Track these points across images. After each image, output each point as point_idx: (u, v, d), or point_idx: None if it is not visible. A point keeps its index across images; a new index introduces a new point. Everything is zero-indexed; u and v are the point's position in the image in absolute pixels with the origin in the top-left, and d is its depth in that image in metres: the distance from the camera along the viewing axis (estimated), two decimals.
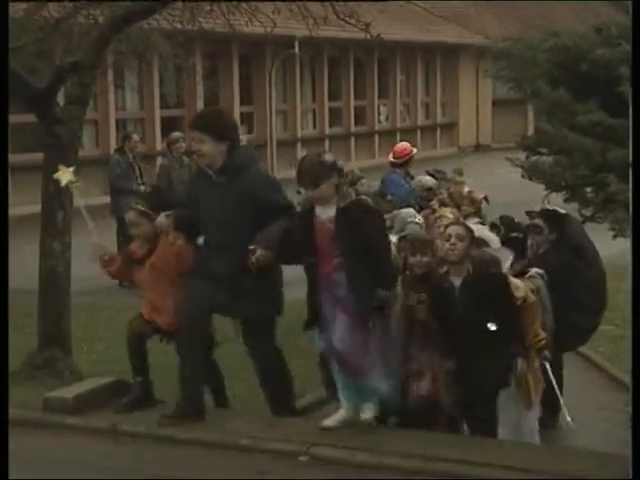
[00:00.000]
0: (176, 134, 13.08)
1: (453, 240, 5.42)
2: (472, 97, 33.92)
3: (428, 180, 10.13)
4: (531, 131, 21.53)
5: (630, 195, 3.71)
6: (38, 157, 8.18)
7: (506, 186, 11.72)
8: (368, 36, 8.83)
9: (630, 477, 3.35)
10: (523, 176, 9.97)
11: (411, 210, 8.73)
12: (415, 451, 5.25)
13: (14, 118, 17.39)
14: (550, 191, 9.54)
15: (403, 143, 11.42)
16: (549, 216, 6.65)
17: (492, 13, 33.28)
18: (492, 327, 5.27)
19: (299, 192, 11.22)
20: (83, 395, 6.27)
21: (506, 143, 21.35)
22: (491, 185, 11.63)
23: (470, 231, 5.56)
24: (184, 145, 12.43)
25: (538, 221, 6.66)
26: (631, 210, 3.68)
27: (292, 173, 16.71)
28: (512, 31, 21.49)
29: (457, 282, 5.48)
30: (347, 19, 8.66)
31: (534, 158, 9.47)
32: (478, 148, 33.45)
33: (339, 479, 5.15)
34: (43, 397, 6.31)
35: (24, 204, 15.92)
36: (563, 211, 6.86)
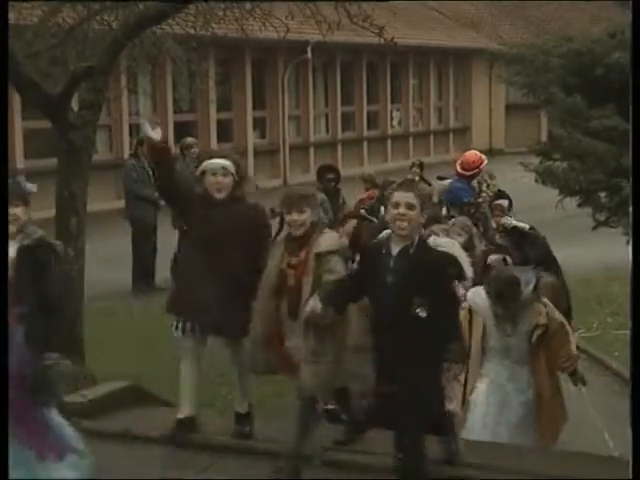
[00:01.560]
0: (190, 139, 13.12)
1: (402, 209, 4.63)
2: (485, 102, 33.87)
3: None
4: (544, 136, 21.47)
5: (630, 195, 3.69)
6: (52, 162, 8.21)
7: (519, 191, 11.69)
8: (382, 40, 8.82)
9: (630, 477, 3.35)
10: (537, 181, 9.94)
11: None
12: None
13: (28, 124, 17.64)
14: (564, 196, 9.51)
15: (473, 152, 10.32)
16: (512, 234, 6.82)
17: (506, 17, 33.26)
18: (422, 313, 4.46)
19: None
20: (98, 399, 6.29)
21: (519, 148, 21.31)
22: (505, 189, 11.58)
23: (423, 200, 4.75)
24: (197, 150, 12.46)
25: (501, 241, 6.84)
26: (631, 210, 3.66)
27: (304, 178, 16.80)
28: (526, 36, 21.49)
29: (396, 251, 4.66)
30: (361, 23, 8.66)
31: (548, 163, 9.44)
32: (491, 153, 33.36)
33: None
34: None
35: (38, 209, 15.95)
36: (526, 227, 6.98)
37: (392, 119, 30.17)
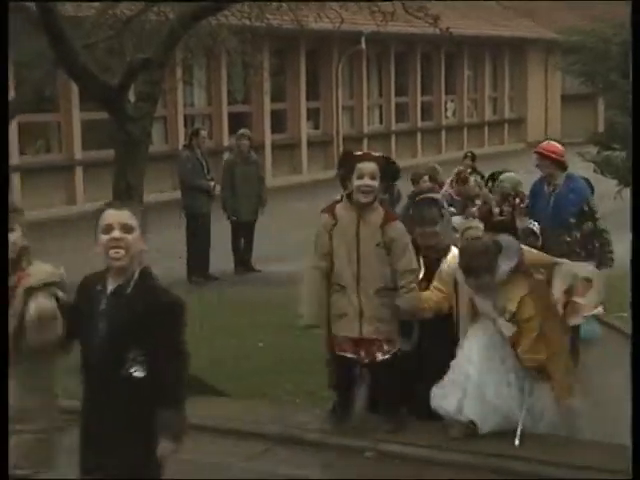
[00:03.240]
0: (243, 130, 13.17)
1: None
2: (541, 92, 33.47)
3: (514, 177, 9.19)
4: (601, 126, 21.18)
5: (630, 194, 3.58)
6: (109, 154, 8.28)
7: None
8: (437, 30, 8.74)
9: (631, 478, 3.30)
10: (595, 171, 9.78)
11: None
12: (476, 448, 5.21)
13: (86, 115, 17.82)
14: (623, 186, 9.36)
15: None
16: None
17: (563, 5, 32.76)
18: (138, 373, 3.58)
19: None
20: None
21: (575, 138, 20.97)
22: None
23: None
24: (248, 142, 12.49)
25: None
26: (631, 209, 3.56)
27: None
28: (583, 24, 21.14)
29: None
30: (415, 13, 8.59)
31: (606, 153, 9.31)
32: None
33: (404, 476, 5.12)
34: None
35: (98, 200, 16.15)
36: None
37: (446, 110, 29.96)
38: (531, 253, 5.58)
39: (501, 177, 9.23)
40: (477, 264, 5.28)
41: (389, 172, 5.50)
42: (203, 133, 12.71)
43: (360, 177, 5.32)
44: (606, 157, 8.56)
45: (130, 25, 8.55)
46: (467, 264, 5.33)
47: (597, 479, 4.94)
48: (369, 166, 5.34)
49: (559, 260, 5.62)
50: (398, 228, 5.43)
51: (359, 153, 5.55)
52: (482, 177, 11.77)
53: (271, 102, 22.68)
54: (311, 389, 6.60)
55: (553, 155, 7.66)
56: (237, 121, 21.96)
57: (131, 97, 7.72)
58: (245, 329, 8.62)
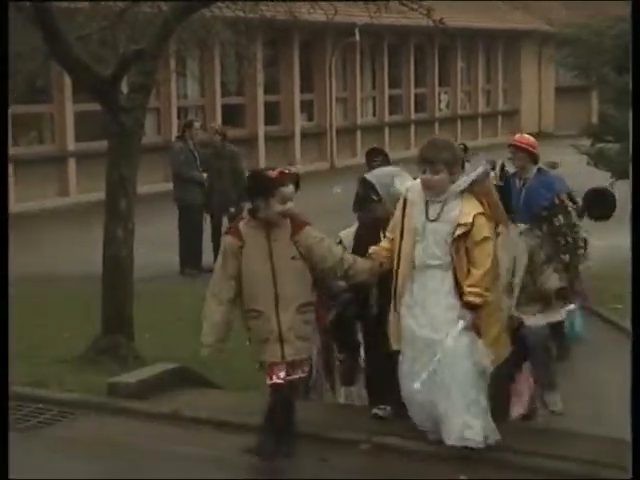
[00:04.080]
0: (215, 125, 13.03)
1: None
2: (534, 84, 33.48)
3: None
4: (594, 119, 21.19)
5: (630, 193, 3.59)
6: (102, 145, 8.26)
7: (569, 174, 11.54)
8: (430, 22, 8.73)
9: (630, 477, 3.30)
10: (589, 163, 9.80)
11: None
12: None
13: (79, 107, 17.76)
14: (616, 179, 9.38)
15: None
16: None
17: (558, 4, 32.73)
18: None
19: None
20: (146, 380, 6.32)
21: (568, 131, 21.00)
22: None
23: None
24: (220, 137, 12.37)
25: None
26: (631, 209, 3.57)
27: (351, 161, 16.74)
28: (577, 17, 21.14)
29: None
30: (409, 5, 8.57)
31: (599, 145, 9.32)
32: (540, 136, 32.97)
33: (401, 469, 5.12)
34: (107, 382, 6.38)
35: (91, 192, 16.13)
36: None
37: (440, 102, 29.95)
38: (495, 196, 5.10)
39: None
40: (440, 156, 4.89)
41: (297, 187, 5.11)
42: (197, 125, 12.68)
43: (283, 202, 4.94)
44: (599, 149, 8.58)
45: (123, 17, 8.52)
46: (428, 154, 4.90)
47: (596, 473, 4.94)
48: (291, 190, 4.97)
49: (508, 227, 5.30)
50: (311, 233, 5.05)
51: (275, 174, 4.98)
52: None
53: (265, 94, 22.64)
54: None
55: (528, 147, 7.69)
56: (230, 113, 21.94)
57: (124, 88, 7.70)
58: (238, 321, 8.60)
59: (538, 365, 5.71)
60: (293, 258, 5.00)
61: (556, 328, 7.25)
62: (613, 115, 8.00)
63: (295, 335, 5.02)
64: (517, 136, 8.01)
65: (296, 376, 5.12)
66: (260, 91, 22.05)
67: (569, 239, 7.37)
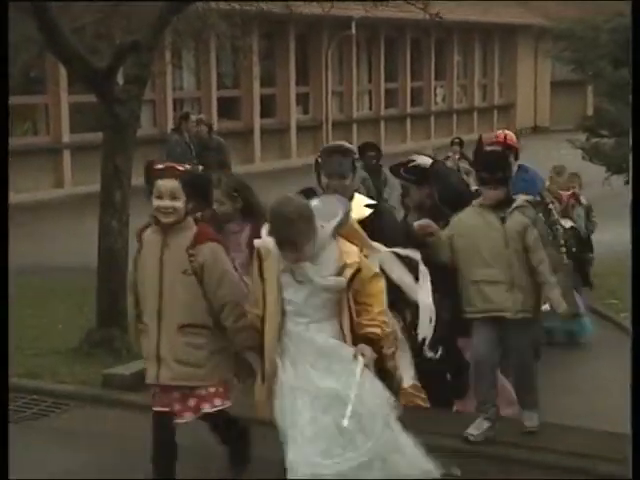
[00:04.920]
0: (199, 116, 13.01)
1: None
2: (530, 78, 33.48)
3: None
4: (590, 113, 21.18)
5: (630, 192, 3.60)
6: (97, 137, 8.25)
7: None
8: (426, 16, 8.73)
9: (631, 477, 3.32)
10: (584, 158, 9.80)
11: None
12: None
13: (74, 98, 17.73)
14: (611, 173, 9.39)
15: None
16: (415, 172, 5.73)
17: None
18: None
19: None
20: (141, 373, 6.28)
21: (564, 125, 21.02)
22: (548, 168, 11.46)
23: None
24: (206, 129, 12.34)
25: (402, 182, 5.83)
26: (631, 208, 3.58)
27: None
28: (573, 11, 21.16)
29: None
30: None
31: (595, 140, 9.32)
32: (535, 130, 33.04)
33: None
34: (102, 374, 6.39)
35: (86, 184, 16.11)
36: (428, 161, 5.79)
37: (436, 96, 29.94)
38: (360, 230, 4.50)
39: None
40: (299, 235, 4.08)
41: (199, 188, 4.57)
42: (193, 117, 12.67)
43: (159, 197, 4.41)
44: (595, 144, 8.57)
45: (119, 8, 8.51)
46: (280, 235, 4.12)
47: (593, 467, 4.96)
48: (168, 184, 4.39)
49: (375, 245, 4.58)
50: (211, 251, 4.41)
51: (160, 166, 4.51)
52: (470, 163, 11.78)
53: (260, 87, 22.61)
54: None
55: (513, 145, 7.42)
56: (226, 105, 21.91)
57: (119, 80, 7.69)
58: None
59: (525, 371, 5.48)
60: (184, 272, 4.39)
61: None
62: (608, 109, 8.00)
63: (174, 358, 4.42)
64: (499, 133, 7.61)
65: (175, 408, 4.49)
66: (256, 84, 22.02)
67: (549, 237, 7.36)
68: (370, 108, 27.28)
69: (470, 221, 5.31)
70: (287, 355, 4.27)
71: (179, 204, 4.41)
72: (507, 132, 7.63)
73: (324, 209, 4.24)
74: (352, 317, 4.27)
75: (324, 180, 5.06)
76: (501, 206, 5.27)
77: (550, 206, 7.42)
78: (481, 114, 31.36)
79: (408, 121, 28.13)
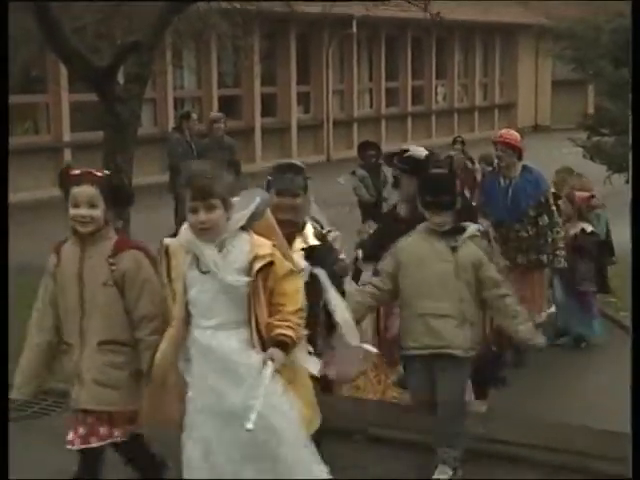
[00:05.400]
0: (217, 114, 13.00)
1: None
2: (531, 78, 33.47)
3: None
4: (591, 112, 21.14)
5: (630, 191, 3.60)
6: (98, 136, 8.26)
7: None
8: (427, 15, 8.74)
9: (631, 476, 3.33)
10: (584, 156, 9.80)
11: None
12: (468, 432, 5.23)
13: (74, 97, 17.73)
14: (612, 172, 9.40)
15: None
16: (407, 162, 5.59)
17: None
18: None
19: (353, 172, 11.27)
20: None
21: (565, 124, 20.99)
22: (550, 166, 11.47)
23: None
24: (223, 127, 12.32)
25: (395, 172, 5.69)
26: (631, 208, 3.58)
27: (347, 154, 16.68)
28: (573, 11, 21.14)
29: None
30: None
31: (596, 139, 9.32)
32: (536, 129, 33.04)
33: (393, 460, 5.14)
34: None
35: None
36: (423, 152, 5.63)
37: (437, 95, 29.94)
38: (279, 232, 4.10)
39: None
40: (215, 188, 3.84)
41: (118, 195, 4.24)
42: (194, 116, 12.66)
43: (75, 205, 4.07)
44: (596, 143, 8.58)
45: (120, 8, 8.52)
46: (202, 185, 3.84)
47: (591, 465, 4.98)
48: (86, 191, 4.06)
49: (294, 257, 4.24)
50: (133, 258, 4.10)
51: (76, 172, 4.16)
52: (472, 162, 11.80)
53: (261, 86, 22.62)
54: None
55: (516, 144, 7.31)
56: (227, 104, 21.92)
57: (120, 79, 7.70)
58: None
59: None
60: (105, 284, 4.07)
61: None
62: (609, 108, 8.00)
63: (92, 378, 4.05)
64: (503, 132, 7.60)
65: (83, 432, 4.10)
66: (257, 83, 22.03)
67: (549, 239, 7.23)
68: (371, 107, 27.28)
69: (416, 249, 4.85)
70: (193, 368, 3.87)
71: (97, 212, 4.07)
72: (511, 131, 7.58)
73: (241, 202, 3.90)
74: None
75: (274, 199, 4.54)
76: (450, 233, 4.82)
77: (553, 208, 7.37)
78: (482, 113, 31.36)
79: (409, 120, 28.13)
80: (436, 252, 4.79)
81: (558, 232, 7.33)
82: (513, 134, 7.49)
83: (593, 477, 4.89)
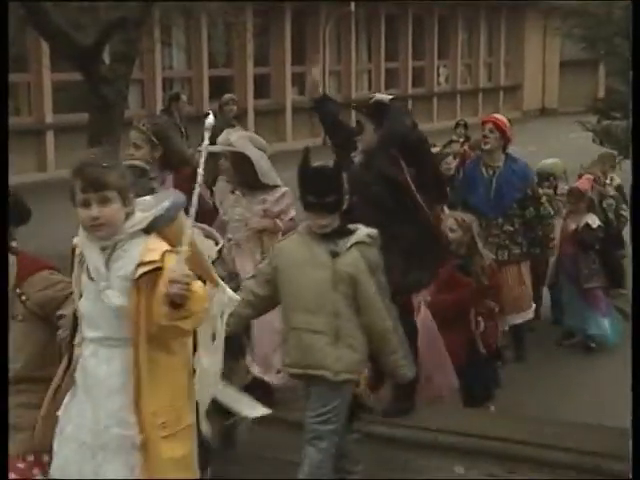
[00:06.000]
0: (229, 95, 13.04)
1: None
2: (538, 58, 33.44)
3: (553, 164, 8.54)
4: (602, 94, 21.18)
5: (630, 191, 3.60)
6: (83, 117, 8.23)
7: (573, 153, 11.58)
8: None
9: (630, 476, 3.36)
10: (594, 141, 9.79)
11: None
12: (468, 430, 5.30)
13: (57, 76, 17.67)
14: (623, 157, 9.39)
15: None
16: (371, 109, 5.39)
17: None
18: None
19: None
20: None
21: (574, 107, 20.94)
22: (557, 152, 11.46)
23: None
24: (234, 108, 12.36)
25: (359, 117, 5.45)
26: (630, 207, 3.58)
27: None
28: None
29: None
30: None
31: (606, 122, 9.31)
32: (544, 112, 33.03)
33: (390, 458, 5.16)
34: None
35: (70, 166, 16.07)
36: (387, 97, 5.44)
37: (439, 76, 29.91)
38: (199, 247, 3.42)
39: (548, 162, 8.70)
40: (110, 178, 3.35)
41: (14, 215, 3.87)
42: (183, 98, 12.64)
43: None
44: (606, 126, 8.56)
45: None
46: (94, 175, 3.39)
47: (594, 463, 4.99)
48: None
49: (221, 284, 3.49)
50: (45, 281, 3.71)
51: None
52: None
53: (254, 66, 22.57)
54: None
55: (506, 130, 7.11)
56: (218, 85, 21.86)
57: (106, 58, 7.67)
58: None
59: None
60: (14, 318, 3.65)
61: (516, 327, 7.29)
62: (620, 90, 7.99)
63: (11, 422, 3.58)
64: (493, 114, 7.48)
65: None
66: (250, 63, 21.98)
67: (539, 232, 7.09)
68: (369, 89, 27.24)
69: (294, 252, 4.35)
70: (75, 393, 3.41)
71: None
72: (498, 116, 7.38)
73: (150, 202, 3.41)
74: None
75: None
76: (333, 237, 4.27)
77: (543, 200, 7.20)
78: (486, 95, 31.34)
79: (409, 102, 28.09)
80: (314, 257, 4.27)
81: (548, 225, 7.17)
82: (504, 119, 7.28)
83: (603, 477, 4.91)
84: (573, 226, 7.73)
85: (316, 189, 4.24)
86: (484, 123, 7.23)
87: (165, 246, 3.28)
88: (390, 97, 5.42)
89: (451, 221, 6.24)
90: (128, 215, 3.32)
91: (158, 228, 3.32)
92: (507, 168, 7.02)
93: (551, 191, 8.17)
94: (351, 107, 5.75)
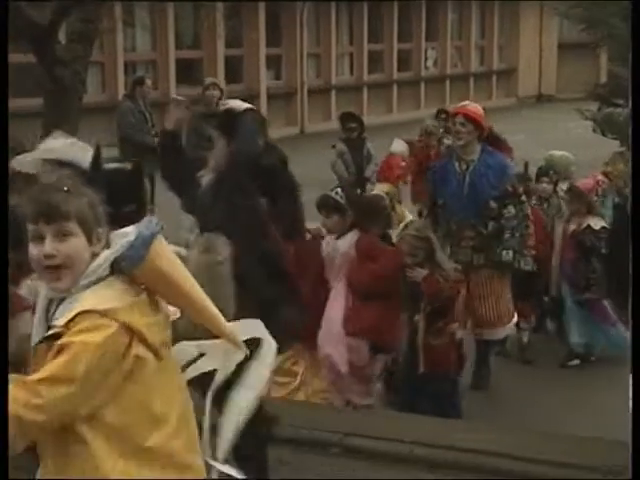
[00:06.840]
0: (212, 79, 12.97)
1: None
2: (534, 40, 33.59)
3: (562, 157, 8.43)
4: (603, 79, 21.30)
5: (630, 190, 3.64)
6: (37, 102, 8.20)
7: (571, 143, 11.62)
8: None
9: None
10: (594, 130, 9.86)
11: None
12: (455, 444, 5.37)
13: (10, 57, 17.55)
14: (626, 147, 9.44)
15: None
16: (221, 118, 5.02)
17: None
18: None
19: (334, 146, 11.28)
20: None
21: (573, 93, 21.04)
22: (554, 141, 11.51)
23: None
24: (219, 93, 12.27)
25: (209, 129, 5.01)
26: (631, 206, 3.63)
27: (325, 126, 16.72)
28: None
29: None
30: None
31: (607, 110, 9.37)
32: (540, 99, 33.18)
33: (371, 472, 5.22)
34: None
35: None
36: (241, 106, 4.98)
37: (427, 59, 29.99)
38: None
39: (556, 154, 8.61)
40: (69, 206, 2.84)
41: None
42: (148, 82, 12.62)
43: None
44: (608, 115, 8.61)
45: None
46: (51, 202, 2.78)
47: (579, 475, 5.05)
48: None
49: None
50: None
51: None
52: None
53: (225, 47, 22.55)
54: None
55: (480, 120, 6.90)
56: (186, 68, 21.84)
57: (62, 38, 7.64)
58: None
59: None
60: None
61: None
62: (623, 75, 8.03)
63: None
64: (464, 104, 7.18)
65: None
66: (220, 44, 21.95)
67: (516, 234, 6.78)
68: (351, 73, 27.28)
69: None
70: None
71: None
72: (474, 105, 7.16)
73: (121, 236, 2.85)
74: None
75: None
76: None
77: (523, 198, 6.97)
78: (478, 80, 31.45)
79: (394, 88, 28.16)
80: None
81: (527, 227, 6.88)
82: (477, 108, 7.05)
83: None
84: (571, 228, 7.58)
85: (112, 196, 3.16)
86: (454, 115, 7.01)
87: (93, 303, 2.71)
88: (245, 106, 4.96)
89: (406, 247, 6.14)
90: (94, 256, 2.80)
91: (128, 269, 2.79)
92: (482, 162, 6.80)
93: (550, 187, 8.09)
94: (200, 118, 5.37)
